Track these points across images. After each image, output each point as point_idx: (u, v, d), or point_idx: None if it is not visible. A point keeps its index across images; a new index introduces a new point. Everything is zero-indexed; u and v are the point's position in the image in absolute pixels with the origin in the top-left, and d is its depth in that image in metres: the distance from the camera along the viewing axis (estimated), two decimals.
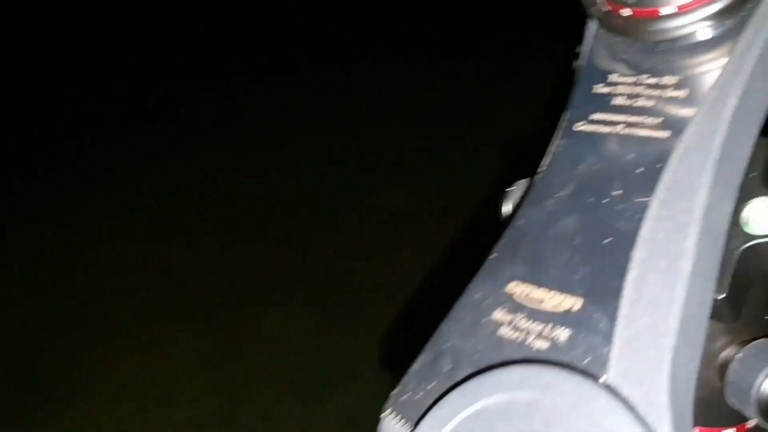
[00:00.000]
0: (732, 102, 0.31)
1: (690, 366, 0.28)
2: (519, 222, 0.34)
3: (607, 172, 0.32)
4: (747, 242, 0.32)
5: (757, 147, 0.32)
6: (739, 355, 0.34)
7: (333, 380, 1.64)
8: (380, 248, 2.03)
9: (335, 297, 1.89)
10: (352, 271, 1.96)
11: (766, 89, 0.32)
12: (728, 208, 0.31)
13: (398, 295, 1.85)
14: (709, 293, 0.29)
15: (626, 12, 0.34)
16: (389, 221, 2.14)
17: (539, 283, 0.31)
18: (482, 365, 0.30)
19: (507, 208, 0.41)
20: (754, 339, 0.35)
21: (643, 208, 0.30)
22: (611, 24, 0.35)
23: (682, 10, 0.32)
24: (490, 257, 0.33)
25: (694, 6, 0.32)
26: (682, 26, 0.33)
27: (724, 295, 0.32)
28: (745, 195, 0.33)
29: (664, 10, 0.33)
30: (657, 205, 0.30)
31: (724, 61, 0.32)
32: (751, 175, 0.33)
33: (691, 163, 0.30)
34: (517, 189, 0.41)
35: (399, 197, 2.26)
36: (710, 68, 0.32)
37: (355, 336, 1.74)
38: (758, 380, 0.32)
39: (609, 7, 0.35)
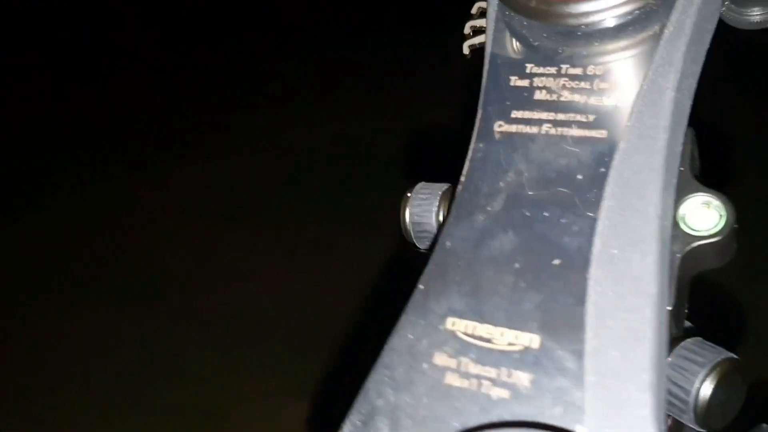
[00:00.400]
0: (670, 94, 0.28)
1: (663, 396, 0.25)
2: (446, 243, 0.29)
3: (542, 180, 0.28)
4: (688, 244, 0.30)
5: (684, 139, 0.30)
6: (670, 359, 0.32)
7: None
8: None
9: None
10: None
11: (695, 75, 0.29)
12: (671, 210, 0.28)
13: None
14: (665, 310, 0.26)
15: None
16: None
17: (482, 317, 0.27)
18: (432, 424, 0.25)
19: (412, 219, 0.36)
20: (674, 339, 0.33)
21: (592, 220, 0.27)
22: (519, 4, 0.31)
23: None
24: (418, 288, 0.28)
25: None
26: (605, 8, 0.29)
27: (670, 308, 0.29)
28: (678, 192, 0.30)
29: None
30: (606, 216, 0.27)
31: (652, 46, 0.29)
32: (680, 169, 0.30)
33: (638, 167, 0.27)
34: (422, 195, 0.36)
35: None
36: (638, 55, 0.29)
37: None
38: (694, 386, 0.30)
39: None
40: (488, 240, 0.28)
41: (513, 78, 0.31)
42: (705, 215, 0.30)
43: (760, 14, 0.34)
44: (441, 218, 0.35)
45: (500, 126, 0.30)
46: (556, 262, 0.26)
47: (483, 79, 0.32)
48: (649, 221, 0.26)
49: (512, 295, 0.26)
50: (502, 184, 0.29)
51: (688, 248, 0.29)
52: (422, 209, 0.36)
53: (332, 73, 2.53)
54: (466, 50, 0.39)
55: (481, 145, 0.30)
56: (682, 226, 0.30)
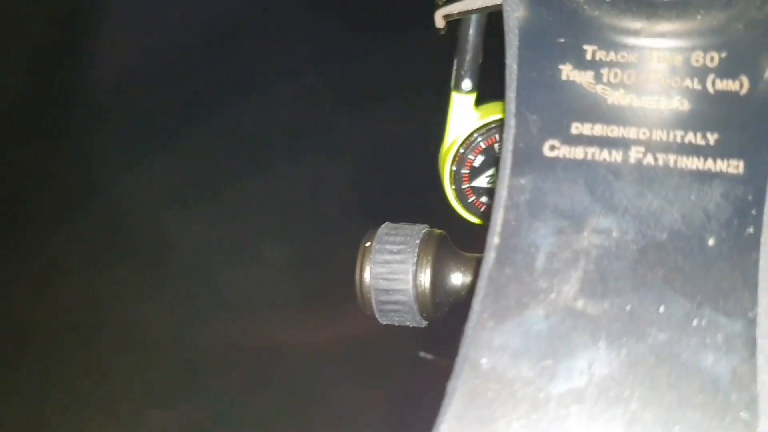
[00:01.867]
0: None
1: None
2: (479, 360, 0.16)
3: (646, 248, 0.17)
4: None
5: None
6: None
7: None
8: None
9: None
10: None
11: None
12: None
13: None
14: None
15: None
16: None
17: None
18: None
19: (375, 283, 0.23)
20: None
21: (748, 323, 0.15)
22: None
23: None
24: None
25: None
26: None
27: None
28: None
29: None
30: None
31: None
32: None
33: None
34: (390, 245, 0.23)
35: None
36: None
37: None
38: None
39: None
40: (564, 359, 0.16)
41: (564, 68, 0.19)
42: None
43: None
44: (424, 281, 0.23)
45: (554, 148, 0.18)
46: (697, 396, 0.15)
47: (507, 67, 0.20)
48: None
49: None
50: (570, 251, 0.17)
51: None
52: (392, 269, 0.23)
53: None
54: (439, 22, 0.26)
55: (522, 181, 0.18)
56: None
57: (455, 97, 0.29)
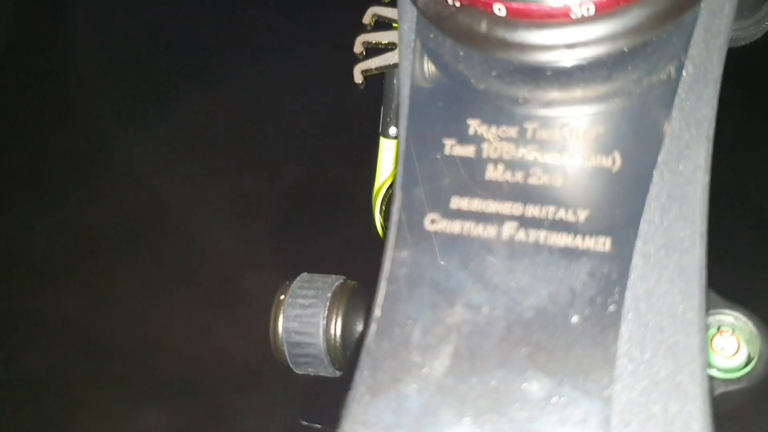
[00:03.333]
0: (701, 177, 0.18)
1: None
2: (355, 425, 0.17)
3: (513, 324, 0.17)
4: (712, 392, 0.20)
5: None
6: None
7: None
8: None
9: None
10: None
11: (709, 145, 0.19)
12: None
13: None
14: None
15: (500, 10, 0.18)
16: None
17: None
18: None
19: (288, 336, 0.24)
20: None
21: (603, 402, 0.16)
22: (453, 25, 0.20)
23: (603, 11, 0.18)
24: None
25: (622, 3, 0.18)
26: (594, 38, 0.18)
27: None
28: None
29: (578, 10, 0.18)
30: (625, 390, 0.16)
31: (665, 95, 0.19)
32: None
33: (666, 305, 0.17)
34: (302, 299, 0.24)
35: None
36: (645, 109, 0.19)
37: None
38: None
39: (460, 1, 0.19)
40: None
41: (448, 141, 0.19)
42: (726, 346, 0.20)
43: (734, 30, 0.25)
44: (335, 333, 0.24)
45: (434, 222, 0.19)
46: None
47: (399, 136, 0.20)
48: (694, 398, 0.16)
49: None
50: (443, 326, 0.18)
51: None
52: (303, 323, 0.24)
53: None
54: (357, 77, 0.27)
55: (404, 253, 0.18)
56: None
57: (383, 142, 0.30)
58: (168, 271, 1.02)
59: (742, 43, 0.26)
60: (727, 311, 0.20)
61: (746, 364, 0.20)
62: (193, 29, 1.20)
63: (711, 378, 0.20)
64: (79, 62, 1.20)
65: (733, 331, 0.20)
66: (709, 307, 0.20)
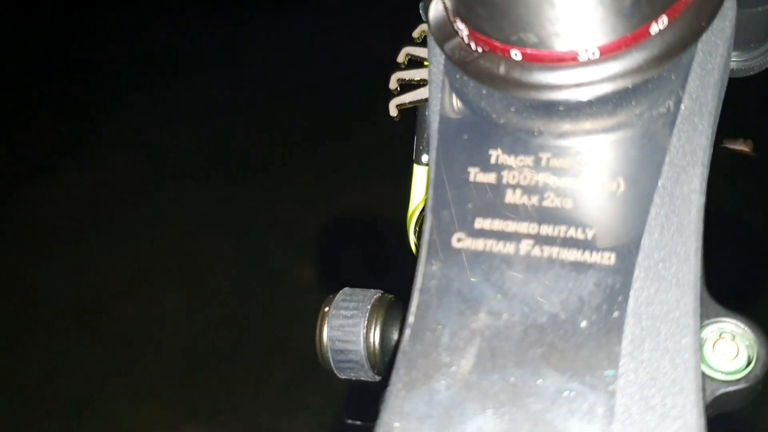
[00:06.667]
0: (696, 199, 0.20)
1: None
2: (393, 425, 0.20)
3: (530, 328, 0.20)
4: (712, 392, 0.22)
5: None
6: None
7: None
8: None
9: None
10: None
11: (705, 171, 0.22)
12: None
13: None
14: None
15: (516, 55, 0.21)
16: None
17: None
18: None
19: (332, 344, 0.26)
20: None
21: (608, 396, 0.18)
22: (476, 69, 0.23)
23: (607, 55, 0.21)
24: None
25: (624, 47, 0.21)
26: (600, 77, 0.21)
27: None
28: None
29: (584, 54, 0.21)
30: (628, 385, 0.18)
31: (664, 128, 0.21)
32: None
33: (663, 312, 0.19)
34: (344, 311, 0.27)
35: None
36: (646, 141, 0.21)
37: None
38: None
39: (481, 47, 0.22)
40: (459, 425, 0.19)
41: (473, 170, 0.22)
42: (726, 350, 0.23)
43: (736, 62, 0.27)
44: (374, 341, 0.26)
45: (460, 240, 0.21)
46: None
47: (430, 165, 0.23)
48: (688, 392, 0.18)
49: None
50: (468, 331, 0.20)
51: (712, 397, 0.22)
52: (345, 332, 0.26)
53: None
54: (392, 111, 0.30)
55: (434, 267, 0.21)
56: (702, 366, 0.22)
57: (416, 168, 0.33)
58: None
59: (751, 73, 0.28)
60: (728, 319, 0.22)
61: (745, 367, 0.22)
62: None
63: (713, 380, 0.22)
64: None
65: (734, 337, 0.22)
66: (711, 315, 0.22)
